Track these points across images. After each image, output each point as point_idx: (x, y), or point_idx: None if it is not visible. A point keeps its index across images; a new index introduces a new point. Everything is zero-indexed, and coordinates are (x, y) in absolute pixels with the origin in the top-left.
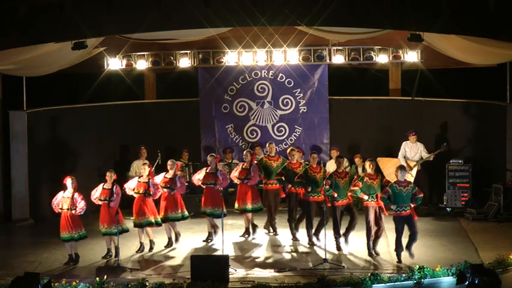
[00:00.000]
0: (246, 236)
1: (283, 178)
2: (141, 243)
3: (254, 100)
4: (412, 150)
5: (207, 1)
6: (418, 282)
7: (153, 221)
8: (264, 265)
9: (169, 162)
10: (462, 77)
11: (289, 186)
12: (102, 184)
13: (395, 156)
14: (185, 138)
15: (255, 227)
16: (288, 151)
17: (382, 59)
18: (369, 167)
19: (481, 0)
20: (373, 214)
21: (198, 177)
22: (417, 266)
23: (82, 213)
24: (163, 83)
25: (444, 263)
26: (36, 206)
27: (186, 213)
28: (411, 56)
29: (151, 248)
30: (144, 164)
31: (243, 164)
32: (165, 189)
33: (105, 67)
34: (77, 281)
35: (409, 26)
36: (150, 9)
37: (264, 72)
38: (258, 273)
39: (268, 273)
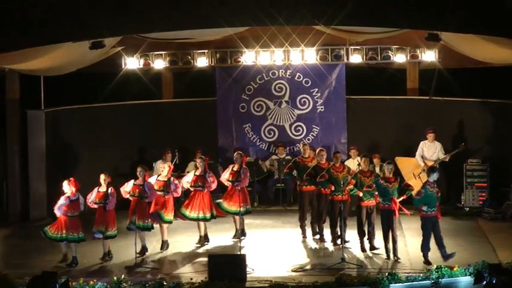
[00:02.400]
0: (242, 237)
1: (312, 179)
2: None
3: (271, 100)
4: (430, 149)
5: (224, 0)
6: (436, 282)
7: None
8: (281, 264)
9: (161, 165)
10: (480, 77)
11: (319, 186)
12: (97, 187)
13: (413, 155)
14: (202, 138)
15: (237, 230)
16: (317, 151)
17: (399, 58)
18: (386, 170)
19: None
20: (389, 217)
21: (187, 180)
22: (435, 266)
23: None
24: (180, 82)
25: (462, 263)
26: (53, 205)
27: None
28: (429, 56)
29: (142, 252)
30: (141, 166)
31: (233, 166)
32: (159, 192)
33: (123, 66)
34: (95, 280)
35: (425, 26)
36: (167, 8)
37: (282, 71)
38: (275, 272)
39: (286, 273)
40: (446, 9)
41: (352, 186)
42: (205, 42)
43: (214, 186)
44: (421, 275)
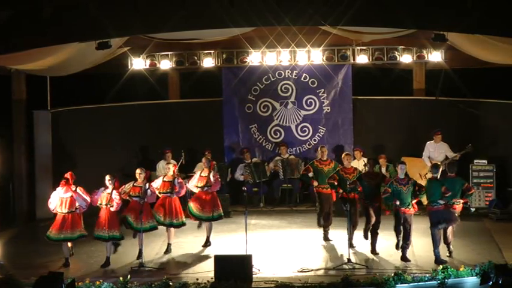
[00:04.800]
0: (208, 244)
1: (335, 183)
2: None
3: (278, 100)
4: (437, 150)
5: (231, 1)
6: (442, 283)
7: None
8: (287, 265)
9: (138, 171)
10: (487, 77)
11: (341, 191)
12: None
13: (419, 156)
14: (208, 138)
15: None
16: (342, 156)
17: (406, 58)
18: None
19: (505, 0)
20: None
21: (155, 186)
22: (441, 266)
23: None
24: (187, 82)
25: (468, 263)
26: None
27: (154, 223)
28: (435, 56)
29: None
30: (110, 174)
31: (201, 172)
32: (135, 198)
33: (129, 67)
34: (101, 281)
35: (432, 26)
36: (175, 9)
37: (288, 72)
38: (281, 272)
39: (292, 273)
40: (454, 10)
41: (388, 194)
42: (212, 42)
43: (183, 192)
44: (427, 275)
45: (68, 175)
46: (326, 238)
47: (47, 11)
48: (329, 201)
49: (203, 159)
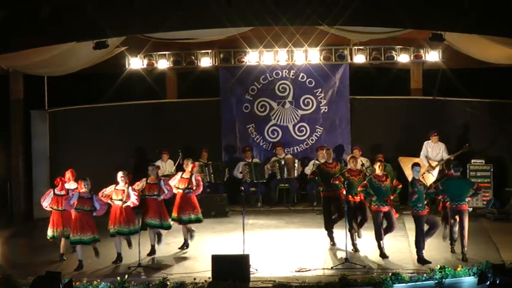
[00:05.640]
0: (185, 248)
1: (339, 184)
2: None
3: (275, 100)
4: (434, 150)
5: (229, 1)
6: (439, 282)
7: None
8: (285, 265)
9: (120, 174)
10: (484, 77)
11: (344, 192)
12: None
13: (417, 155)
14: (206, 138)
15: (192, 232)
16: (348, 159)
17: (403, 58)
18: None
19: (504, 0)
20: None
21: (138, 189)
22: (438, 266)
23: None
24: (184, 82)
25: (465, 263)
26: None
27: (136, 227)
28: (432, 56)
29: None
30: (85, 179)
31: (182, 173)
32: (116, 203)
33: (127, 66)
34: (98, 280)
35: (431, 26)
36: (173, 8)
37: (285, 71)
38: (278, 272)
39: (289, 273)
40: (452, 10)
41: (416, 196)
42: (209, 42)
43: (170, 194)
44: (425, 275)
45: (68, 172)
46: (331, 239)
47: (45, 10)
48: (334, 203)
49: (185, 161)
